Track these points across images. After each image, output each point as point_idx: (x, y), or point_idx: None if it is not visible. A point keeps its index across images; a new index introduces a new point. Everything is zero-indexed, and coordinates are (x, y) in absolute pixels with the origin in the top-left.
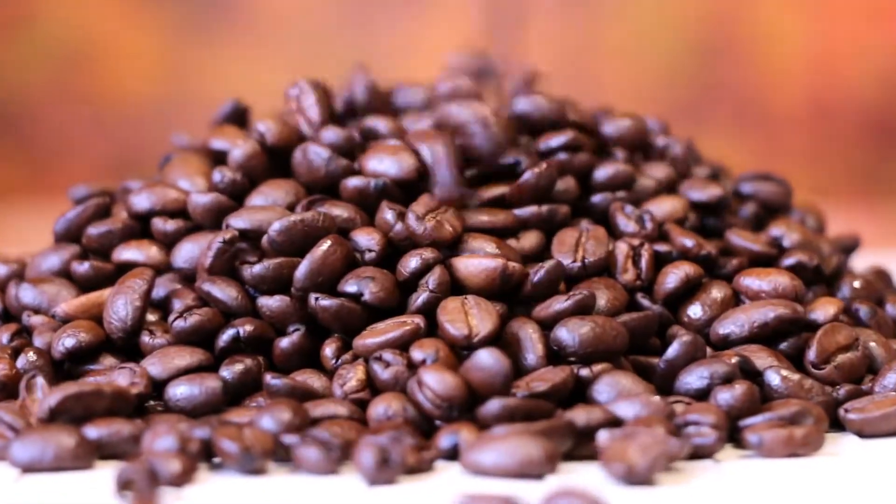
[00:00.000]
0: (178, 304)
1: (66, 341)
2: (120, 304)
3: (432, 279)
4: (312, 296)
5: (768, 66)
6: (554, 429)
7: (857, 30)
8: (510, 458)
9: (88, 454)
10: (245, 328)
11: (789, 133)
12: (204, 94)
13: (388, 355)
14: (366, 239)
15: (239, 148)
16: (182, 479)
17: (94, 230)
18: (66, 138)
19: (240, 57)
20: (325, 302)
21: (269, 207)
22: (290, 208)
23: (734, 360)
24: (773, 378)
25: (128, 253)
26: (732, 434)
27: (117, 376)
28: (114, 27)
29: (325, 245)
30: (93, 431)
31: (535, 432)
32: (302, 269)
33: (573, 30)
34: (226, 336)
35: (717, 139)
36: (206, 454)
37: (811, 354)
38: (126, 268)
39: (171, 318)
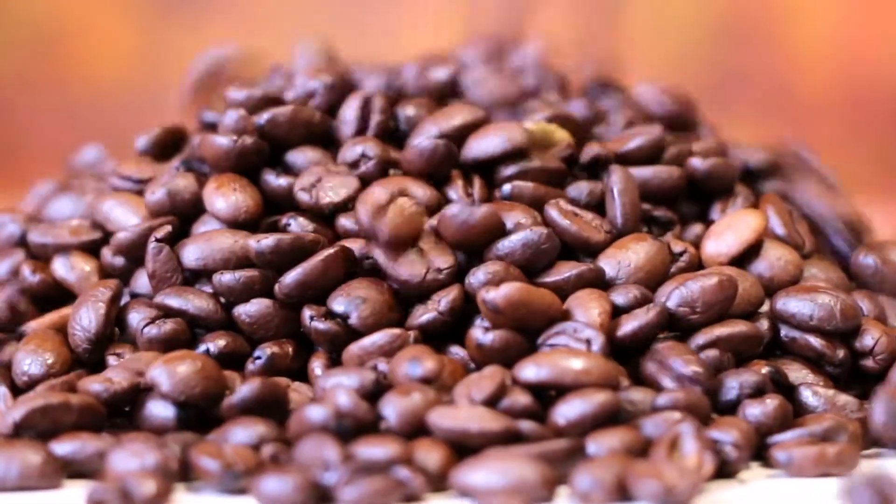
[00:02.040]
0: (139, 317)
1: (31, 368)
2: (83, 313)
3: (445, 300)
4: (307, 313)
5: (796, 48)
6: (556, 452)
7: (892, 10)
8: (502, 478)
9: (56, 472)
10: (217, 343)
11: (819, 121)
12: (182, 79)
13: (382, 365)
14: (361, 246)
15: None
16: (157, 500)
17: (36, 238)
18: (34, 127)
19: (220, 39)
20: (321, 326)
21: (217, 233)
22: (250, 226)
23: (765, 370)
24: (805, 393)
25: (62, 270)
26: (760, 451)
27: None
28: (85, 7)
29: (322, 256)
30: (60, 447)
31: (532, 455)
32: (293, 275)
33: (590, 11)
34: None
35: (741, 127)
36: (182, 472)
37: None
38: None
39: (141, 324)
